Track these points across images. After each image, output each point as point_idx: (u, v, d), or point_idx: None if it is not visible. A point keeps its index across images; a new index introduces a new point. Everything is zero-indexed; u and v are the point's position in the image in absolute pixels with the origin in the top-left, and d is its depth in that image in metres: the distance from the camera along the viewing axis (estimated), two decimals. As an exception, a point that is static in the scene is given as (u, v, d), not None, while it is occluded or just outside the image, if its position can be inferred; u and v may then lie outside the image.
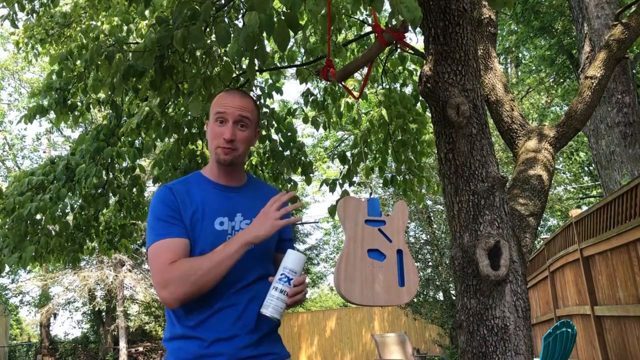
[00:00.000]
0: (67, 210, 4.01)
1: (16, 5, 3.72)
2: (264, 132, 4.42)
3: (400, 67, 4.55)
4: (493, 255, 2.01)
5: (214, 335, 1.43)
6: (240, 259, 1.47)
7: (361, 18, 4.73)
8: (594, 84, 2.84)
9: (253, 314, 1.47)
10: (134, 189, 4.24)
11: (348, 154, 4.67)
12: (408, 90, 4.69)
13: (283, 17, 1.98)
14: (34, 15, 4.22)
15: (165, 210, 1.48)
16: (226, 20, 3.55)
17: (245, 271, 1.49)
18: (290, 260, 1.45)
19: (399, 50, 4.28)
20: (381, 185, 14.07)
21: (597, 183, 15.22)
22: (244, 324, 1.45)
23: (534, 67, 14.69)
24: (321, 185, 4.68)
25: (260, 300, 1.49)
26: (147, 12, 3.65)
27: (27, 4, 3.90)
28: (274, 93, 4.37)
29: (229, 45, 2.28)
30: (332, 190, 4.47)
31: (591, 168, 15.41)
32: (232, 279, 1.47)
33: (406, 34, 2.18)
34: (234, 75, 3.76)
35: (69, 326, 51.59)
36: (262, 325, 1.49)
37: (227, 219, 1.51)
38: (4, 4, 3.59)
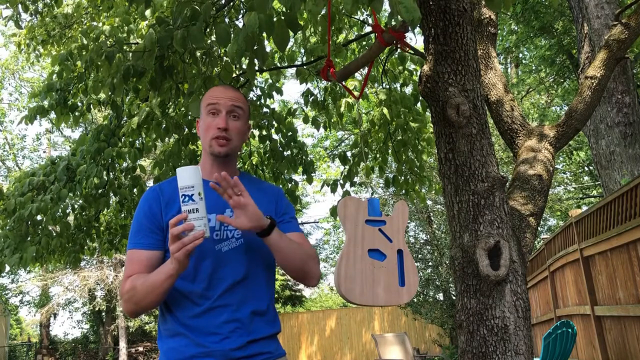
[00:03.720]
0: (67, 211, 4.02)
1: (20, 6, 3.73)
2: (264, 132, 4.42)
3: (400, 67, 4.55)
4: (493, 255, 2.01)
5: (204, 335, 1.42)
6: (227, 255, 1.47)
7: (361, 18, 4.74)
8: (594, 84, 2.84)
9: (246, 316, 1.46)
10: (135, 190, 4.24)
11: (348, 154, 4.68)
12: (408, 90, 4.69)
13: (283, 17, 1.98)
14: (38, 16, 4.23)
15: (143, 217, 1.50)
16: (226, 20, 3.55)
17: (233, 268, 1.47)
18: (181, 179, 1.32)
19: (399, 50, 4.29)
20: (381, 185, 14.09)
21: (597, 183, 15.22)
22: (236, 326, 1.44)
23: (534, 67, 14.69)
24: (322, 186, 4.68)
25: (253, 301, 1.48)
26: (147, 13, 3.65)
27: (31, 4, 3.90)
28: (274, 93, 4.38)
29: (229, 45, 2.28)
30: (333, 190, 4.47)
31: (591, 168, 15.42)
32: (219, 277, 1.46)
33: (406, 34, 2.19)
34: (234, 75, 3.77)
35: (69, 326, 51.63)
36: (258, 329, 1.48)
37: (215, 214, 1.50)
38: (8, 4, 3.59)
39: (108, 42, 3.20)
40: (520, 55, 15.53)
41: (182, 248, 1.29)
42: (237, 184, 1.38)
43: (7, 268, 3.92)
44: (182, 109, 3.69)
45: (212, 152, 1.53)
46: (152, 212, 1.49)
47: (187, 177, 1.32)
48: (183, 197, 1.32)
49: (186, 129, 3.80)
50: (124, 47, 3.20)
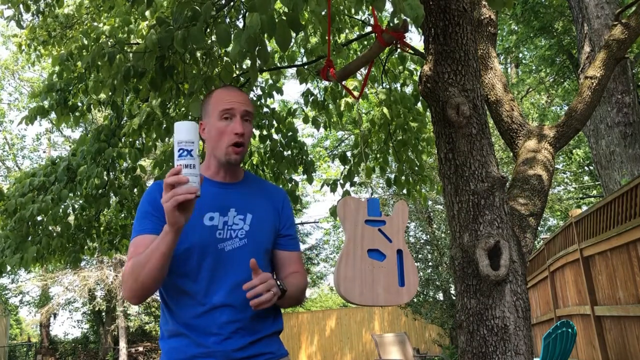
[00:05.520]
0: (68, 211, 4.02)
1: (21, 6, 3.73)
2: (264, 132, 4.43)
3: (400, 67, 4.56)
4: (493, 255, 2.01)
5: (205, 335, 1.42)
6: (229, 255, 1.47)
7: (362, 18, 4.74)
8: (594, 84, 2.85)
9: (249, 316, 1.46)
10: (135, 190, 4.24)
11: (348, 154, 4.68)
12: (408, 90, 4.69)
13: (284, 18, 1.98)
14: (39, 16, 4.23)
15: (145, 206, 1.50)
16: (227, 20, 3.56)
17: (235, 268, 1.47)
18: (181, 132, 1.27)
19: (399, 50, 4.29)
20: (381, 185, 14.09)
21: (597, 183, 15.23)
22: (238, 327, 1.44)
23: (534, 67, 14.70)
24: (322, 186, 4.68)
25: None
26: (147, 13, 3.65)
27: (32, 4, 3.90)
28: (274, 93, 4.38)
29: (230, 46, 2.28)
30: (333, 190, 4.48)
31: (591, 168, 15.42)
32: (221, 276, 1.46)
33: (405, 34, 2.19)
34: (234, 75, 3.77)
35: (69, 326, 51.64)
36: (260, 328, 1.48)
37: (219, 214, 1.50)
38: (10, 4, 3.59)
39: (109, 43, 3.20)
40: (520, 55, 15.54)
41: (172, 197, 1.24)
42: (269, 287, 1.38)
43: (8, 268, 3.93)
44: (183, 109, 3.70)
45: (229, 161, 1.51)
46: (157, 202, 1.48)
47: (188, 131, 1.27)
48: (181, 150, 1.26)
49: (186, 129, 3.79)
50: (125, 48, 3.20)
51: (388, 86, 4.55)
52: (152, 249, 1.34)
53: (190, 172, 1.27)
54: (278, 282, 1.44)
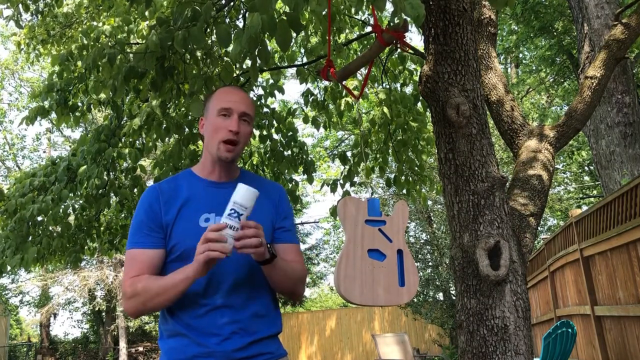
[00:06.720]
0: (68, 211, 4.02)
1: (20, 5, 3.72)
2: (264, 132, 4.43)
3: (400, 67, 4.56)
4: (493, 255, 2.01)
5: (205, 335, 1.42)
6: (228, 256, 1.46)
7: (362, 18, 4.74)
8: (594, 84, 2.85)
9: (248, 317, 1.46)
10: (135, 190, 4.24)
11: (348, 154, 4.68)
12: (408, 90, 4.70)
13: (285, 18, 1.98)
14: (38, 15, 4.23)
15: (143, 216, 1.50)
16: (227, 20, 3.55)
17: (234, 269, 1.47)
18: (240, 194, 1.34)
19: (399, 50, 4.29)
20: (381, 185, 14.09)
21: (597, 183, 15.23)
22: (237, 327, 1.44)
23: (534, 67, 14.70)
24: (322, 186, 4.68)
25: (255, 302, 1.48)
26: (146, 13, 3.65)
27: (32, 4, 3.90)
28: (276, 92, 4.38)
29: (230, 46, 2.28)
30: (333, 190, 4.47)
31: (591, 168, 15.42)
32: (220, 277, 1.46)
33: (405, 34, 2.19)
34: (234, 75, 3.77)
35: (69, 326, 51.59)
36: (260, 329, 1.48)
37: (214, 214, 1.50)
38: (9, 4, 3.59)
39: (109, 43, 3.20)
40: (520, 55, 15.54)
41: (205, 251, 1.31)
42: (258, 235, 1.37)
43: (8, 268, 3.92)
44: (183, 109, 3.70)
45: (220, 157, 1.52)
46: (153, 209, 1.50)
47: (248, 198, 1.34)
48: (232, 211, 1.33)
49: (187, 129, 3.80)
50: (125, 48, 3.20)
51: (388, 86, 4.55)
52: (168, 285, 1.38)
53: (231, 233, 1.33)
54: (268, 245, 1.43)
